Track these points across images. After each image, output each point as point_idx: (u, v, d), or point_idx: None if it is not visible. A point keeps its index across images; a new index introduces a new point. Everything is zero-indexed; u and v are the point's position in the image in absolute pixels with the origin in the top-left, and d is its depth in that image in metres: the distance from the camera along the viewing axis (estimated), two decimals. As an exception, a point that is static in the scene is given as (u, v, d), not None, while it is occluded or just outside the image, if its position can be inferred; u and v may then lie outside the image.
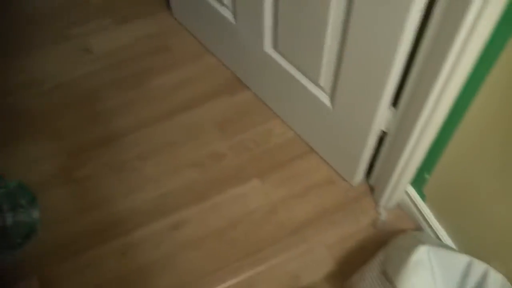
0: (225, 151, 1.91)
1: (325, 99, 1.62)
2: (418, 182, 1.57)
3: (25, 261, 1.67)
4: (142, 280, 1.63)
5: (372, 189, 1.75)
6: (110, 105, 2.05)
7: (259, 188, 1.81)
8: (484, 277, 1.23)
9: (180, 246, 1.69)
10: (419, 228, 1.64)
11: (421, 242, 1.32)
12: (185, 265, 1.65)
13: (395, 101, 1.41)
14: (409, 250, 1.30)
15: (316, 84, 1.62)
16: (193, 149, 1.91)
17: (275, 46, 1.72)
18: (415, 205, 1.61)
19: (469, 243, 1.45)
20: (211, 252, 1.67)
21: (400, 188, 1.60)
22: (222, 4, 1.86)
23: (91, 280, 1.64)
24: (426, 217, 1.58)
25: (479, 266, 1.24)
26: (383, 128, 1.51)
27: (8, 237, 1.70)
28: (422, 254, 1.28)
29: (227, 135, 1.95)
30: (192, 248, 1.68)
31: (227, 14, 1.88)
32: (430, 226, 1.57)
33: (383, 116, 1.45)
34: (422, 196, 1.59)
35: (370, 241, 1.66)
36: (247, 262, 1.64)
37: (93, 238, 1.72)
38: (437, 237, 1.54)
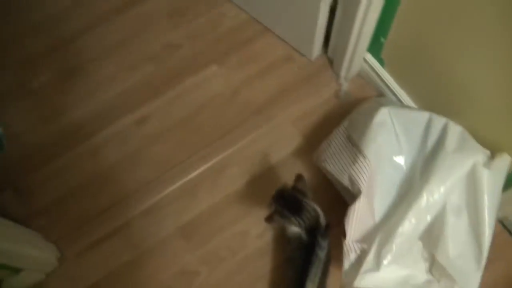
0: (180, 41, 1.86)
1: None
2: (375, 47, 1.57)
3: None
4: (115, 176, 1.66)
5: (331, 62, 1.76)
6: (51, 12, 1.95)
7: (218, 73, 1.79)
8: (444, 130, 1.28)
9: (147, 140, 1.70)
10: (381, 94, 1.67)
11: (382, 105, 1.35)
12: (156, 157, 1.67)
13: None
14: (371, 114, 1.33)
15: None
16: (146, 43, 1.86)
17: None
18: (375, 71, 1.63)
19: (429, 102, 1.50)
20: (179, 142, 1.69)
21: (358, 55, 1.60)
22: None
23: (65, 185, 1.66)
24: (387, 82, 1.60)
25: (439, 121, 1.29)
26: (335, -1, 1.48)
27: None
28: (383, 115, 1.31)
29: (179, 25, 1.89)
30: (160, 141, 1.70)
31: None
32: (391, 91, 1.60)
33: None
34: (381, 62, 1.60)
35: (334, 112, 1.69)
36: (216, 146, 1.67)
37: (60, 145, 1.71)
38: (399, 100, 1.58)
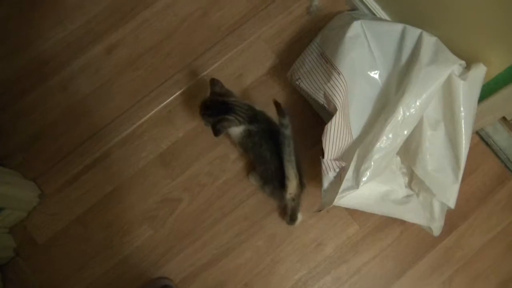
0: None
1: None
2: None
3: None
4: (89, 108, 1.62)
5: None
6: None
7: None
8: (419, 41, 1.25)
9: (119, 68, 1.65)
10: (354, 8, 1.60)
11: (355, 19, 1.30)
12: (129, 85, 1.63)
13: None
14: (344, 28, 1.28)
15: None
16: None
17: None
18: (348, -18, 1.55)
19: (402, 14, 1.44)
20: (151, 68, 1.64)
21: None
22: None
23: (38, 121, 1.62)
24: (359, -6, 1.53)
25: (413, 32, 1.25)
26: None
27: None
28: (356, 29, 1.27)
29: None
30: (132, 69, 1.65)
31: None
32: (364, 3, 1.53)
33: None
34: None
35: (307, 29, 1.64)
36: (189, 70, 1.63)
37: (30, 80, 1.66)
38: (372, 13, 1.52)
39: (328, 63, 1.30)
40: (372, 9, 1.52)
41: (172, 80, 1.62)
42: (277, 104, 1.19)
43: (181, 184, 1.54)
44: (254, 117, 1.30)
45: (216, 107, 1.31)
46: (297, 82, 1.39)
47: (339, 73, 1.23)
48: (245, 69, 1.62)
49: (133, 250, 1.52)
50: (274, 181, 1.33)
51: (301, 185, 1.31)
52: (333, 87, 1.23)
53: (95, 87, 1.64)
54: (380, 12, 1.50)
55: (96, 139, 1.60)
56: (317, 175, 1.27)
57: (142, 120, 1.60)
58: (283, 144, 1.21)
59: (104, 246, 1.52)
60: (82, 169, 1.57)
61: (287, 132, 1.20)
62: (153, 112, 1.60)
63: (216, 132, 1.29)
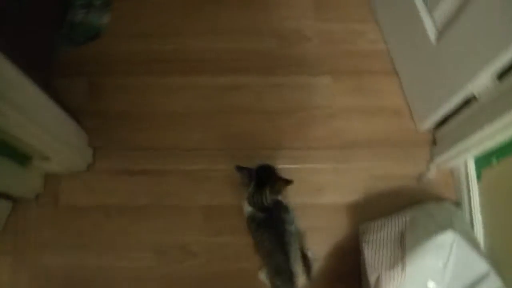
0: (312, 33, 1.79)
1: (431, 32, 1.44)
2: (482, 161, 1.45)
3: (81, 61, 1.70)
4: (188, 126, 1.65)
5: (434, 142, 1.64)
6: None
7: (329, 86, 1.72)
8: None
9: (231, 107, 1.68)
10: (458, 203, 1.54)
11: (452, 223, 1.25)
12: (233, 130, 1.66)
13: (503, 73, 1.24)
14: (436, 229, 1.23)
15: (430, 13, 1.44)
16: (279, 18, 1.81)
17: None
18: (467, 179, 1.51)
19: (497, 246, 1.37)
20: (256, 126, 1.66)
21: (462, 156, 1.49)
22: None
23: (133, 104, 1.67)
24: (471, 196, 1.48)
25: (494, 281, 1.18)
26: (475, 93, 1.36)
27: (73, 33, 1.70)
28: (447, 240, 1.21)
29: (319, 16, 1.82)
30: (241, 114, 1.67)
31: None
32: (470, 205, 1.48)
33: (481, 81, 1.29)
34: (479, 175, 1.48)
35: (405, 191, 1.59)
36: (292, 154, 1.61)
37: (144, 65, 1.72)
38: (471, 219, 1.46)
39: (400, 250, 1.24)
40: (473, 214, 1.46)
41: (275, 152, 1.62)
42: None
43: (207, 244, 1.52)
44: (269, 209, 1.26)
45: (263, 177, 1.27)
46: (363, 243, 1.35)
47: (403, 269, 1.18)
48: (328, 187, 1.59)
49: (127, 268, 1.50)
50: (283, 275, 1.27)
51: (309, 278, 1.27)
52: (390, 278, 1.18)
53: (196, 111, 1.67)
54: (479, 226, 1.45)
55: (169, 154, 1.61)
56: None
57: (219, 167, 1.60)
58: (287, 243, 1.20)
59: (106, 244, 1.52)
60: (138, 170, 1.59)
61: (291, 228, 1.20)
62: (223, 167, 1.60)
63: (237, 167, 1.27)
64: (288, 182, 1.23)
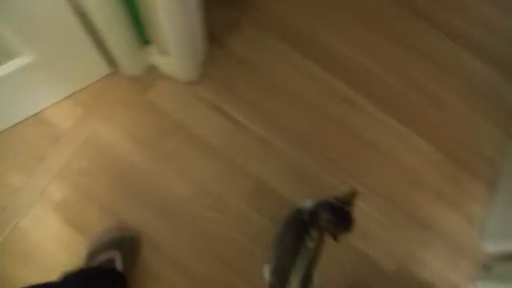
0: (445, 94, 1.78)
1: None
2: None
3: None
4: (320, 136, 1.67)
5: (484, 267, 1.59)
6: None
7: (428, 154, 1.70)
8: None
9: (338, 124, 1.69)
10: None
11: None
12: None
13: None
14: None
15: None
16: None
17: None
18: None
19: None
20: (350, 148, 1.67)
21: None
22: None
23: (263, 59, 1.72)
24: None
25: None
26: None
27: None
28: None
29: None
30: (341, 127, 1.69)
31: None
32: None
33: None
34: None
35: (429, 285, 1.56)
36: (361, 189, 1.60)
37: (297, 39, 1.76)
38: None
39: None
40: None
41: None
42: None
43: (237, 210, 1.53)
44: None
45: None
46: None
47: None
48: (373, 237, 1.58)
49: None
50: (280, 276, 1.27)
51: None
52: None
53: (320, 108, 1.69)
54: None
55: (265, 120, 1.64)
56: None
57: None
58: (300, 254, 1.19)
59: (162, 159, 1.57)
60: (231, 116, 1.62)
61: (311, 245, 1.19)
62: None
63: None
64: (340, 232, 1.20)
